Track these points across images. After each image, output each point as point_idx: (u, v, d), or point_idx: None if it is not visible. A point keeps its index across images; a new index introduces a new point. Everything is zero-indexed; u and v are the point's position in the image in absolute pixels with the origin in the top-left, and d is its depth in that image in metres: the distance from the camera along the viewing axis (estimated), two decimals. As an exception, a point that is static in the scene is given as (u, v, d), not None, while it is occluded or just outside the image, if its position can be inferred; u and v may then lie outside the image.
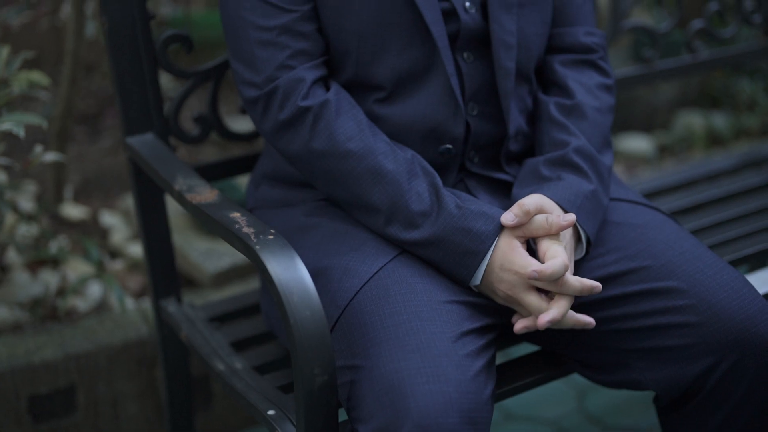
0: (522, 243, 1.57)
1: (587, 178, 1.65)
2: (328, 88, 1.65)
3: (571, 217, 1.55)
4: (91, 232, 2.63)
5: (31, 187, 2.78)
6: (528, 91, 1.76)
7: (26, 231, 2.45)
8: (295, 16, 1.63)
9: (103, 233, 2.63)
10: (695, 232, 2.14)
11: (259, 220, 1.53)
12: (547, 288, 1.53)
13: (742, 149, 3.11)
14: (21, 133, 2.00)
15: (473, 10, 1.66)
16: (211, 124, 1.95)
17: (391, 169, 1.59)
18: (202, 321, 1.89)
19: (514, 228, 1.56)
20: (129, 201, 2.71)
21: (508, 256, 1.54)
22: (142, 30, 1.83)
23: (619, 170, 3.08)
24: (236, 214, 1.56)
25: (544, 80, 1.81)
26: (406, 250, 1.59)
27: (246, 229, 1.50)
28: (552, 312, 1.51)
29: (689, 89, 3.46)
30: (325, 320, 1.40)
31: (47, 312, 2.31)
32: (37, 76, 2.19)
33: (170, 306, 1.94)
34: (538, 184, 1.65)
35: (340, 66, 1.68)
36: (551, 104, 1.74)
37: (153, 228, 1.92)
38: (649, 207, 1.75)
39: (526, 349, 1.80)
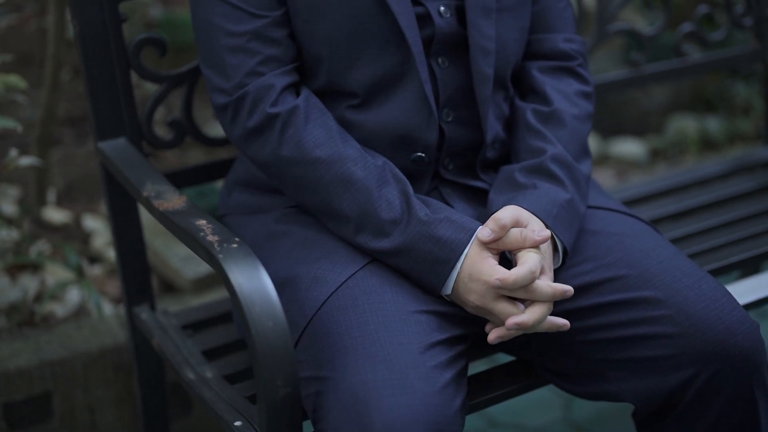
0: (494, 254, 1.53)
1: (563, 187, 1.62)
2: (299, 95, 1.62)
3: (546, 233, 1.52)
4: (73, 236, 2.61)
5: (12, 191, 2.75)
6: (504, 97, 1.73)
7: (6, 235, 2.43)
8: (266, 22, 1.60)
9: (85, 238, 2.60)
10: (684, 239, 2.10)
11: (225, 228, 1.50)
12: (518, 296, 1.49)
13: (735, 154, 3.07)
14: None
15: (448, 15, 1.63)
16: (186, 128, 1.92)
17: (360, 177, 1.56)
18: (175, 328, 1.86)
19: (490, 242, 1.53)
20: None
21: (476, 266, 1.51)
22: (114, 33, 1.81)
23: (609, 175, 3.05)
24: (202, 222, 1.53)
25: (522, 87, 1.78)
26: (376, 258, 1.56)
27: (210, 238, 1.48)
28: (522, 316, 1.48)
29: (682, 93, 3.43)
30: (287, 331, 1.37)
31: (25, 318, 2.28)
32: (14, 80, 2.17)
33: (143, 313, 1.91)
34: (513, 191, 1.62)
35: (312, 72, 1.65)
36: (528, 111, 1.71)
37: (125, 234, 1.89)
38: (628, 215, 1.72)
39: (504, 358, 1.77)
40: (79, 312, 2.32)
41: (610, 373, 1.59)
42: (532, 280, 1.48)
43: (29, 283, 2.35)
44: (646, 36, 2.36)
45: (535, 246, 1.52)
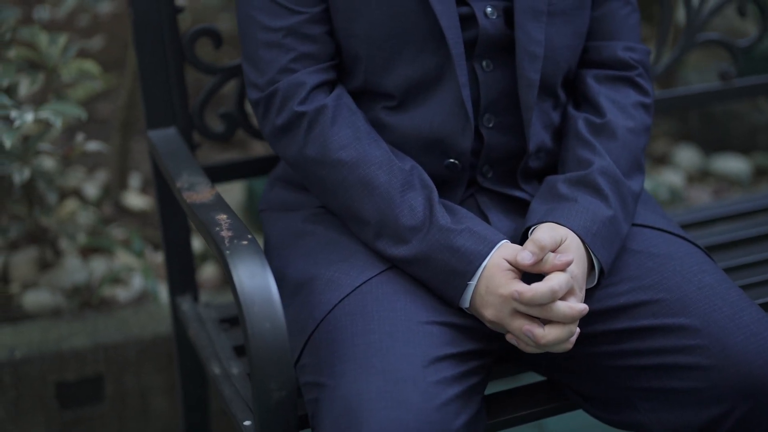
0: (516, 270, 1.46)
1: (607, 202, 1.53)
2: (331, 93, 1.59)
3: (568, 258, 1.43)
4: (151, 222, 2.64)
5: (101, 175, 2.81)
6: (553, 105, 1.65)
7: (85, 217, 2.48)
8: (303, 18, 1.56)
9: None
10: (751, 265, 1.97)
11: (242, 225, 1.48)
12: (534, 314, 1.42)
13: None
14: (58, 123, 2.02)
15: (494, 16, 1.56)
16: (238, 121, 1.91)
17: (383, 181, 1.51)
18: (213, 321, 1.86)
19: (508, 254, 1.46)
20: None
21: (494, 279, 1.45)
22: (169, 23, 1.81)
23: (707, 192, 2.90)
24: (222, 216, 1.51)
25: (576, 95, 1.69)
26: (396, 265, 1.51)
27: (224, 233, 1.45)
28: (537, 329, 1.41)
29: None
30: (285, 334, 1.34)
31: (86, 300, 2.32)
32: (89, 66, 2.21)
33: (184, 303, 1.91)
34: (554, 202, 1.54)
35: (349, 71, 1.61)
36: (580, 121, 1.63)
37: (171, 223, 1.89)
38: (678, 237, 1.62)
39: (534, 378, 1.69)
40: (142, 298, 2.35)
41: (639, 403, 1.50)
42: (553, 300, 1.40)
43: (97, 267, 2.39)
44: (739, 47, 2.23)
45: (554, 270, 1.43)
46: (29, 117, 1.97)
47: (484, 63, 1.58)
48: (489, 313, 1.45)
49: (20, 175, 2.14)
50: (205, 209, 1.55)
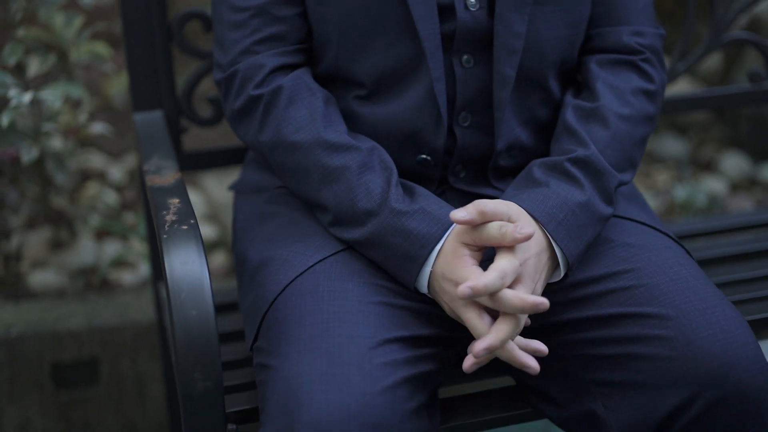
0: (473, 252, 1.39)
1: (579, 187, 1.44)
2: None
3: (528, 230, 1.34)
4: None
5: (131, 159, 2.82)
6: (540, 100, 1.56)
7: (105, 200, 2.49)
8: None
9: (177, 211, 2.62)
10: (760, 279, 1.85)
11: (191, 211, 1.45)
12: (485, 304, 1.35)
13: None
14: (57, 103, 2.02)
15: (476, 8, 1.49)
16: (226, 107, 1.88)
17: (338, 165, 1.46)
18: (190, 309, 1.83)
19: (463, 233, 1.38)
20: (209, 179, 2.70)
21: (450, 264, 1.38)
22: (157, 5, 1.79)
23: (749, 202, 2.77)
24: (174, 201, 1.48)
25: (578, 82, 1.61)
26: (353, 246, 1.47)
27: (169, 217, 1.42)
28: (488, 338, 1.33)
29: None
30: (212, 323, 1.30)
31: (95, 282, 2.32)
32: (100, 48, 2.21)
33: (164, 289, 1.89)
34: (524, 188, 1.46)
35: (321, 56, 1.55)
36: (569, 108, 1.54)
37: (156, 208, 1.87)
38: (658, 230, 1.53)
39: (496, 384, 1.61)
40: (147, 284, 2.34)
41: (596, 397, 1.43)
42: (501, 287, 1.32)
43: (109, 250, 2.39)
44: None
45: (515, 243, 1.34)
46: (27, 97, 1.98)
47: (463, 58, 1.50)
48: (446, 299, 1.39)
49: (29, 154, 2.15)
50: (161, 192, 1.52)
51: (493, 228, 1.36)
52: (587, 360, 1.43)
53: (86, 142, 2.64)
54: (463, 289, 1.31)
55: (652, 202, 2.69)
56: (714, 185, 2.79)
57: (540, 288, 1.39)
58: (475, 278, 1.33)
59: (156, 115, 1.81)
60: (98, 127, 2.18)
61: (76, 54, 2.16)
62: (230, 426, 1.48)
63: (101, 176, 2.70)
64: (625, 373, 1.39)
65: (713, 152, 2.98)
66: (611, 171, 1.47)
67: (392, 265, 1.42)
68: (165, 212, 1.44)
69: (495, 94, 1.50)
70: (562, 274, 1.43)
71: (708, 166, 2.94)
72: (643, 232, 1.51)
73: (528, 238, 1.34)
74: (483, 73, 1.51)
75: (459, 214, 1.35)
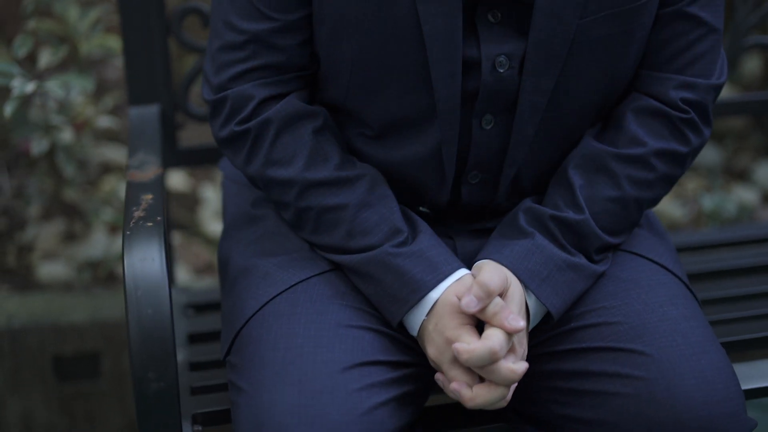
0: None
1: (561, 247, 1.36)
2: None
3: (520, 324, 1.27)
4: (188, 204, 2.63)
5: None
6: (560, 151, 1.43)
7: (120, 194, 2.49)
8: (275, 26, 1.36)
9: (192, 205, 2.62)
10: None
11: (160, 207, 1.42)
12: (474, 370, 1.28)
13: None
14: (59, 92, 2.02)
15: (505, 69, 1.33)
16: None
17: (332, 204, 1.37)
18: (179, 305, 1.81)
19: (462, 291, 1.31)
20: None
21: (443, 319, 1.30)
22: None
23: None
24: (147, 197, 1.46)
25: (606, 116, 1.47)
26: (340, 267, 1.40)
27: (137, 213, 1.40)
28: (465, 391, 1.28)
29: None
30: (168, 323, 1.27)
31: (101, 275, 2.32)
32: (112, 42, 2.20)
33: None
34: (509, 239, 1.37)
35: (326, 88, 1.43)
36: (578, 156, 1.40)
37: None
38: (655, 263, 1.44)
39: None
40: (155, 278, 2.33)
41: None
42: (493, 361, 1.26)
43: (119, 244, 2.39)
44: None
45: (505, 330, 1.27)
46: (29, 87, 1.98)
47: (484, 119, 1.37)
48: (431, 351, 1.32)
49: (38, 146, 2.16)
50: (137, 188, 1.50)
51: (489, 310, 1.28)
52: (560, 394, 1.36)
53: (110, 136, 2.65)
54: (455, 347, 1.27)
55: (680, 211, 2.61)
56: (745, 195, 2.70)
57: (525, 350, 1.33)
58: (466, 344, 1.27)
59: (151, 110, 1.80)
60: (105, 121, 2.18)
61: (87, 47, 2.15)
62: (196, 428, 1.46)
63: (121, 170, 2.70)
64: (597, 411, 1.32)
65: (748, 161, 2.88)
66: (599, 235, 1.38)
67: (379, 301, 1.35)
68: (135, 208, 1.42)
69: (510, 153, 1.38)
70: (540, 320, 1.38)
71: (741, 176, 2.84)
72: (638, 265, 1.42)
73: (519, 331, 1.27)
74: (502, 134, 1.38)
75: (471, 305, 1.28)
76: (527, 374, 1.35)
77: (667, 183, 1.43)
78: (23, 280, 2.30)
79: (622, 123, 1.40)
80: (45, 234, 2.40)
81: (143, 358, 1.27)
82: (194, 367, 1.64)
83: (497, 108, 1.36)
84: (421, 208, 1.45)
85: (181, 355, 1.66)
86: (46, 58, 2.15)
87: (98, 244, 2.33)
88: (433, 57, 1.31)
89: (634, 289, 1.38)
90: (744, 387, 1.39)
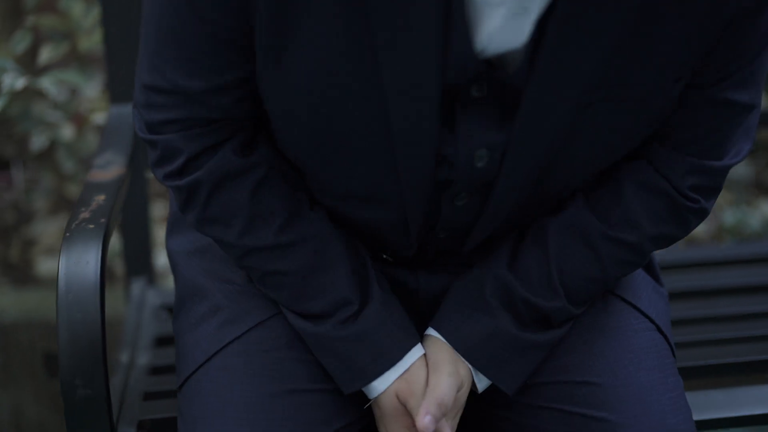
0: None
1: (527, 329, 1.24)
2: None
3: (426, 426, 1.18)
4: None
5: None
6: (543, 214, 1.27)
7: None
8: (205, 87, 1.12)
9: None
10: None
11: (110, 211, 1.38)
12: None
13: None
14: (52, 90, 2.01)
15: (484, 162, 1.14)
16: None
17: (274, 270, 1.22)
18: (153, 307, 1.79)
19: (404, 395, 1.22)
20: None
21: (388, 418, 1.23)
22: (137, -4, 1.75)
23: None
24: (100, 197, 1.43)
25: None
26: None
27: (84, 214, 1.37)
28: None
29: None
30: (98, 328, 1.24)
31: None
32: (113, 38, 2.19)
33: (137, 285, 1.85)
34: (472, 310, 1.25)
35: (278, 139, 1.20)
36: (563, 222, 1.23)
37: (130, 201, 1.83)
38: (630, 305, 1.32)
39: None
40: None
41: None
42: None
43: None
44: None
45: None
46: (20, 83, 1.98)
47: (456, 198, 1.20)
48: (381, 428, 1.26)
49: (38, 141, 2.16)
50: (92, 188, 1.48)
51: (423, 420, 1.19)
52: None
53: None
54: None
55: (701, 226, 2.51)
56: (770, 210, 2.60)
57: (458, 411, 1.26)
58: None
59: (128, 109, 1.77)
60: (101, 118, 2.17)
61: (88, 43, 2.14)
62: (139, 435, 1.43)
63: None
64: None
65: (779, 175, 2.78)
66: (570, 313, 1.25)
67: (328, 367, 1.25)
68: (83, 209, 1.40)
69: (479, 224, 1.23)
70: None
71: (771, 189, 2.74)
72: (609, 305, 1.30)
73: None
74: (475, 205, 1.21)
75: (425, 425, 1.18)
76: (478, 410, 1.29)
77: (651, 254, 1.29)
78: (23, 274, 2.30)
79: (620, 195, 1.22)
80: (50, 229, 2.40)
81: (71, 364, 1.24)
82: (156, 371, 1.61)
83: (472, 190, 1.19)
84: (384, 257, 1.30)
85: (144, 359, 1.63)
86: (46, 53, 2.15)
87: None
88: (402, 153, 1.12)
89: (601, 339, 1.28)
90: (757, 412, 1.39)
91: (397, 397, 1.22)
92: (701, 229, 2.51)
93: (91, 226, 1.34)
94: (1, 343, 2.12)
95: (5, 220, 2.44)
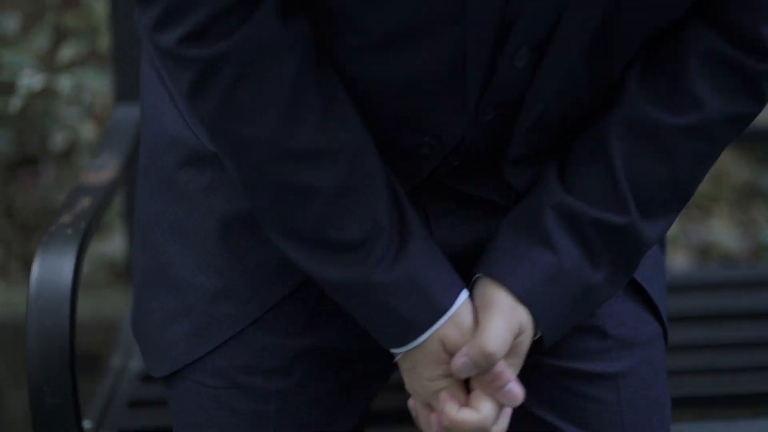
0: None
1: (592, 267, 1.09)
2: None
3: (519, 399, 1.06)
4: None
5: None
6: (598, 89, 1.10)
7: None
8: None
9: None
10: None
11: (92, 215, 1.35)
12: None
13: None
14: (67, 89, 2.00)
15: (523, 62, 1.03)
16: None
17: (304, 185, 1.01)
18: (153, 312, 1.76)
19: (451, 343, 1.07)
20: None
21: (419, 365, 1.07)
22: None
23: None
24: (87, 200, 1.40)
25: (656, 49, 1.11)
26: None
27: (65, 218, 1.34)
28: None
29: None
30: (67, 337, 1.21)
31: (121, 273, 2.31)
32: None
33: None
34: (528, 246, 1.08)
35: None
36: (623, 121, 1.08)
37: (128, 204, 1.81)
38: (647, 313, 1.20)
39: None
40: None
41: None
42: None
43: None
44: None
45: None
46: (37, 81, 1.97)
47: (515, 56, 1.02)
48: (407, 385, 1.11)
49: (59, 140, 2.16)
50: (80, 191, 1.45)
51: (485, 378, 1.06)
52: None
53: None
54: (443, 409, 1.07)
55: (737, 242, 2.42)
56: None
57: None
58: (451, 410, 1.06)
59: (132, 109, 1.74)
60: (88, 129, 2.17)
61: (103, 42, 2.13)
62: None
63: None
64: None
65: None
66: (640, 243, 1.09)
67: (366, 325, 1.10)
68: (67, 211, 1.37)
69: (531, 94, 1.05)
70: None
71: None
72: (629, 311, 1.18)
73: (517, 403, 1.07)
74: (530, 73, 1.04)
75: (461, 371, 1.05)
76: None
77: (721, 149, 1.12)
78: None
79: (682, 74, 1.07)
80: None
81: (39, 371, 1.22)
82: (147, 378, 1.57)
83: (532, 41, 1.01)
84: (425, 140, 1.08)
85: (137, 363, 1.60)
86: (67, 51, 2.14)
87: (114, 242, 2.32)
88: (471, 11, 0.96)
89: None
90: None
91: (443, 344, 1.06)
92: (738, 246, 2.42)
93: (70, 231, 1.31)
94: (12, 340, 2.12)
95: (29, 218, 2.44)
